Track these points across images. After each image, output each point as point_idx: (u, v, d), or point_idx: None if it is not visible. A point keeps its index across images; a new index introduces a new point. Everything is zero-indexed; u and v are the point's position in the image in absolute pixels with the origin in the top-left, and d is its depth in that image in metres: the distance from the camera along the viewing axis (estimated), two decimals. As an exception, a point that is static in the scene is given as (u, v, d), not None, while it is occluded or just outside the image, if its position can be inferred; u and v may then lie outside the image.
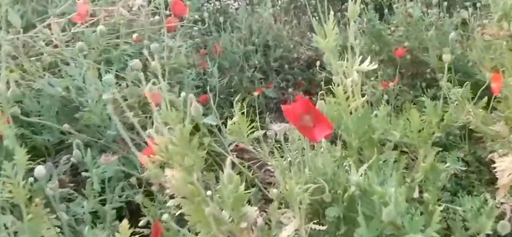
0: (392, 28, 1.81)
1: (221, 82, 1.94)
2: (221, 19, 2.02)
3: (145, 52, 1.39)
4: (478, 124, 1.23)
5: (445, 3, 1.91)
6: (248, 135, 1.02)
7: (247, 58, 2.05)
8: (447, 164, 1.00)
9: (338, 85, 0.94)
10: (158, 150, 0.64)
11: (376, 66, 1.09)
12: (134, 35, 1.38)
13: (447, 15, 1.96)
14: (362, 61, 0.98)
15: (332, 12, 1.05)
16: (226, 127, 1.03)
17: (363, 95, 0.97)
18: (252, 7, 2.16)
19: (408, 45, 1.79)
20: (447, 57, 1.23)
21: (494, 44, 1.60)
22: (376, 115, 0.95)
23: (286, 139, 0.91)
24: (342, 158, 0.89)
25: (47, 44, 1.46)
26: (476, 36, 1.63)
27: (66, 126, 1.06)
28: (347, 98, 1.06)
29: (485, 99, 1.49)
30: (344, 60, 1.08)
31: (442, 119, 0.96)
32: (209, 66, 1.98)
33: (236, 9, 2.58)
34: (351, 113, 0.95)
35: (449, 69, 1.76)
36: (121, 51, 1.45)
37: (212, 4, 2.66)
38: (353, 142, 0.90)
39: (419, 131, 0.91)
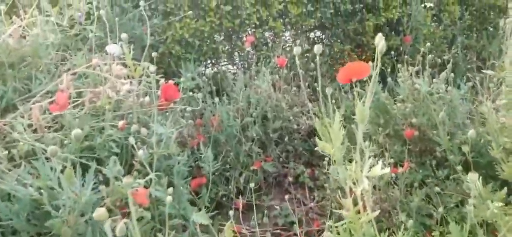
0: (398, 104, 1.70)
1: (216, 160, 1.81)
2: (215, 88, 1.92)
3: (132, 140, 1.27)
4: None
5: (452, 74, 1.83)
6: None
7: (244, 130, 1.93)
8: None
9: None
10: None
11: (388, 170, 0.97)
12: (121, 123, 1.27)
13: (454, 86, 1.88)
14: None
15: (337, 113, 0.94)
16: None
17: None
18: (250, 74, 2.08)
19: (415, 122, 1.68)
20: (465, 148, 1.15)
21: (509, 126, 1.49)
22: None
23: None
24: None
25: (29, 126, 1.35)
26: (490, 119, 1.52)
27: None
28: (358, 212, 0.93)
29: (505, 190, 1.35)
30: (351, 161, 0.96)
31: None
32: (205, 139, 1.87)
33: (234, 74, 2.50)
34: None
35: (461, 148, 1.65)
36: (106, 136, 1.33)
37: (210, 69, 2.59)
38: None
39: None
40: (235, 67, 2.65)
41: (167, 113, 1.57)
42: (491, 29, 2.82)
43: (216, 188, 1.82)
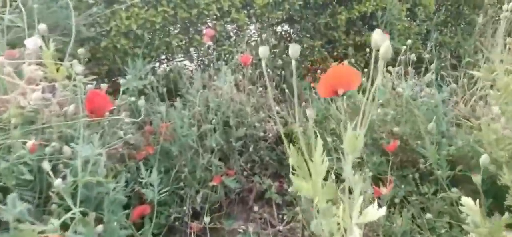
0: (378, 110, 1.49)
1: (166, 177, 1.52)
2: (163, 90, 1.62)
3: (46, 165, 0.96)
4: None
5: (434, 76, 1.64)
6: None
7: (202, 139, 1.65)
8: None
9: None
10: None
11: (384, 213, 0.73)
12: (29, 142, 0.95)
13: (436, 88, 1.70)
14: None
15: (319, 141, 0.69)
16: None
17: None
18: (209, 73, 1.79)
19: (398, 130, 1.47)
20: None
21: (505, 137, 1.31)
22: None
23: None
24: None
25: None
26: (484, 127, 1.34)
27: None
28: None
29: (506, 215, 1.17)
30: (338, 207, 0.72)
31: None
32: (154, 150, 1.57)
33: (192, 71, 2.21)
34: None
35: (450, 161, 1.46)
36: (14, 159, 1.01)
37: (164, 66, 2.27)
38: None
39: None
40: (193, 64, 2.35)
41: (102, 125, 1.26)
42: (464, 25, 2.70)
43: (168, 210, 1.53)
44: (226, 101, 1.68)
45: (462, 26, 2.64)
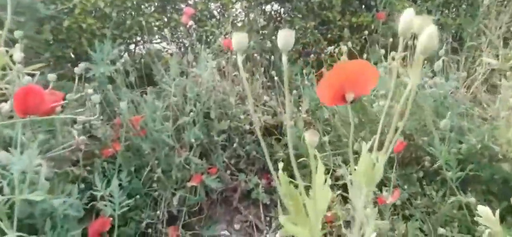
0: (381, 102, 1.30)
1: (137, 178, 1.33)
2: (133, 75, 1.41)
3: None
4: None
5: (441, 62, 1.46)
6: None
7: (180, 133, 1.45)
8: None
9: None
10: None
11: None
12: None
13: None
14: None
15: (320, 165, 0.50)
16: None
17: None
18: (188, 58, 1.57)
19: (402, 125, 1.28)
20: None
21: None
22: None
23: None
24: None
25: None
26: (501, 122, 1.16)
27: None
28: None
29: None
30: None
31: None
32: (121, 146, 1.37)
33: (171, 54, 1.99)
34: None
35: (459, 160, 1.29)
36: None
37: (140, 49, 2.04)
38: None
39: None
40: (173, 46, 2.12)
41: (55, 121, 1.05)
42: (467, 6, 2.51)
43: (139, 215, 1.34)
44: (206, 90, 1.48)
45: (464, 7, 2.45)
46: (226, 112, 1.57)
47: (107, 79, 1.57)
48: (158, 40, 2.01)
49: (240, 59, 0.48)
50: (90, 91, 1.13)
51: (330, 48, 1.65)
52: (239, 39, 0.45)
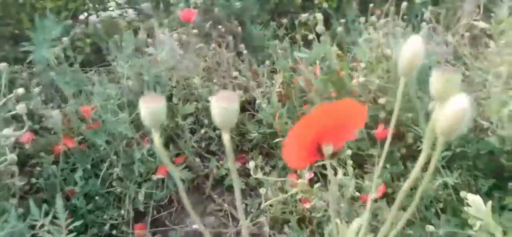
0: (360, 77, 1.16)
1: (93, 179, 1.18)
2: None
3: None
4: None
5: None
6: None
7: (139, 120, 1.29)
8: None
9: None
10: None
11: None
12: None
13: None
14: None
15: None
16: None
17: None
18: (139, 37, 1.38)
19: (384, 102, 1.17)
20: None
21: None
22: None
23: None
24: None
25: None
26: (493, 98, 1.06)
27: None
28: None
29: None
30: None
31: None
32: (73, 143, 1.21)
33: (129, 22, 1.77)
34: None
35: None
36: None
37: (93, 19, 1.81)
38: None
39: None
40: (132, 12, 1.90)
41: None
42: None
43: (101, 217, 1.21)
44: (165, 71, 1.30)
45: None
46: (192, 92, 1.41)
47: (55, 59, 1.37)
48: (111, 8, 1.78)
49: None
50: (19, 91, 0.94)
51: (305, 16, 1.48)
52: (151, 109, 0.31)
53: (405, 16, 1.61)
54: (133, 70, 1.30)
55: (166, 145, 1.38)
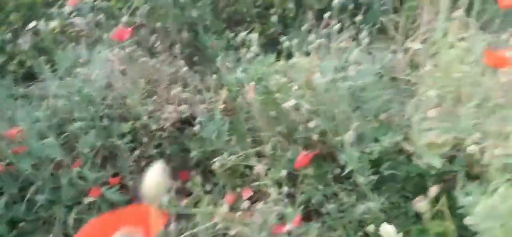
0: (292, 100, 1.15)
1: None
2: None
3: None
4: None
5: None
6: None
7: (72, 141, 1.27)
8: None
9: None
10: None
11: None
12: None
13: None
14: None
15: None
16: None
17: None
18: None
19: (314, 126, 1.16)
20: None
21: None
22: None
23: None
24: None
25: None
26: (416, 129, 1.06)
27: None
28: None
29: None
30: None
31: None
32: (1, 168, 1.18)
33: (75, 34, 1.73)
34: None
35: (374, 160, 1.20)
36: None
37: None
38: None
39: None
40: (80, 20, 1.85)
41: None
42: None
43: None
44: (99, 90, 1.28)
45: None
46: (129, 111, 1.39)
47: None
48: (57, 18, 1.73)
49: None
50: None
51: (243, 34, 1.46)
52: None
53: (362, 26, 1.59)
54: (66, 90, 1.27)
55: (102, 165, 1.36)
